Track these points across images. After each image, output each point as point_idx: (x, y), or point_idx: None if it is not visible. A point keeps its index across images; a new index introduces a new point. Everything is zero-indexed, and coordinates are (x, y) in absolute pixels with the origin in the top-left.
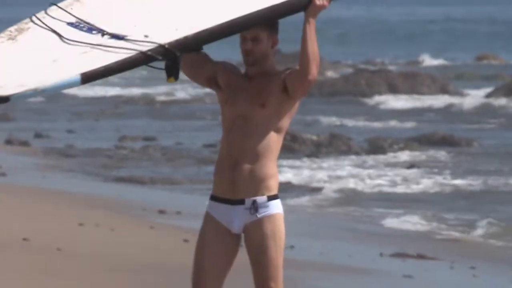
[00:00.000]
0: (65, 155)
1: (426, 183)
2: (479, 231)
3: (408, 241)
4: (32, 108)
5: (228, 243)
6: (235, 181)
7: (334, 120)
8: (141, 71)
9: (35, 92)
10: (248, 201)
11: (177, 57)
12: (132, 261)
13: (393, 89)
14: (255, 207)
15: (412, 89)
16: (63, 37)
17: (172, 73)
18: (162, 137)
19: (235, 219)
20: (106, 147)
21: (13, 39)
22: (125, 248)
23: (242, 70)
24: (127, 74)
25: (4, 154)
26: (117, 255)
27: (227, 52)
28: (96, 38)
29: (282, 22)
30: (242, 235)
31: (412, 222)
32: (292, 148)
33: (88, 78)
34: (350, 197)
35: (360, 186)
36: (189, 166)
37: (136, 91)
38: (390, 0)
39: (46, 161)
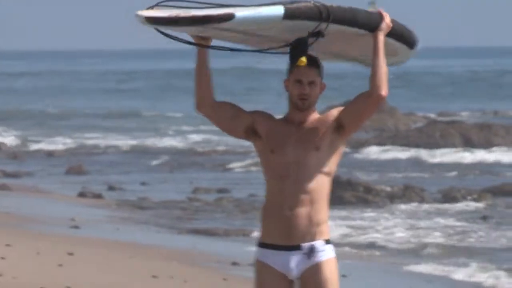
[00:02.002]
0: (139, 207)
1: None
2: None
3: None
4: (105, 161)
5: None
6: (292, 227)
7: (407, 171)
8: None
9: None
10: (305, 246)
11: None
12: None
13: (468, 141)
14: (312, 251)
15: (486, 141)
16: None
17: (303, 53)
18: (235, 189)
19: (293, 265)
20: (180, 199)
21: None
22: None
23: (277, 116)
24: (206, 123)
25: (77, 207)
26: None
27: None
28: None
29: None
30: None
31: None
32: (366, 199)
33: (291, 13)
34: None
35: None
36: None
37: (209, 139)
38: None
39: (120, 213)
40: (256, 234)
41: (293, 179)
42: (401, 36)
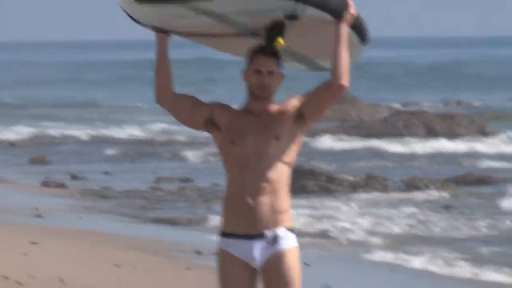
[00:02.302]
0: (102, 196)
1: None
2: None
3: (449, 281)
4: (67, 150)
5: (251, 279)
6: (255, 216)
7: (370, 160)
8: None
9: None
10: (268, 234)
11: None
12: None
13: (431, 131)
14: (275, 239)
15: (450, 131)
16: None
17: (280, 35)
18: (198, 179)
19: (256, 253)
20: (143, 189)
21: None
22: None
23: (235, 107)
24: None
25: (41, 196)
26: None
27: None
28: None
29: None
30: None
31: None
32: (329, 188)
33: None
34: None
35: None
36: None
37: (173, 130)
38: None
39: (83, 203)
40: (219, 223)
41: (254, 169)
42: (359, 29)
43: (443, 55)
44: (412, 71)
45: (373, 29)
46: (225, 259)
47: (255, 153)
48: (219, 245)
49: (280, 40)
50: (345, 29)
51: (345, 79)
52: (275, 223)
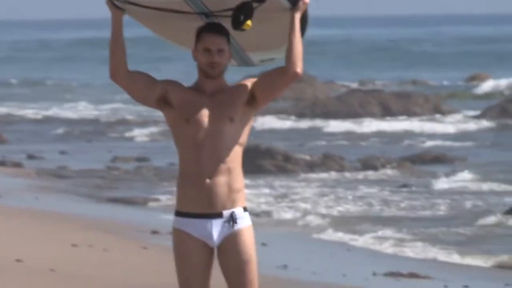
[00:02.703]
0: (58, 176)
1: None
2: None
3: (401, 260)
4: (24, 130)
5: (208, 258)
6: (212, 195)
7: (327, 139)
8: None
9: None
10: (226, 214)
11: None
12: (125, 281)
13: (387, 110)
14: (233, 219)
15: (406, 109)
16: None
17: (249, 17)
18: (155, 158)
19: (214, 232)
20: (99, 168)
21: None
22: (118, 269)
23: (186, 85)
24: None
25: None
26: (110, 276)
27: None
28: None
29: None
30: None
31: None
32: (285, 168)
33: None
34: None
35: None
36: None
37: (126, 109)
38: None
39: (39, 182)
40: (175, 202)
41: (209, 149)
42: (305, 19)
43: (397, 34)
44: (366, 49)
45: (327, 8)
46: (181, 238)
47: (210, 132)
48: (174, 225)
49: (249, 23)
50: (298, 18)
51: (299, 67)
52: (232, 203)
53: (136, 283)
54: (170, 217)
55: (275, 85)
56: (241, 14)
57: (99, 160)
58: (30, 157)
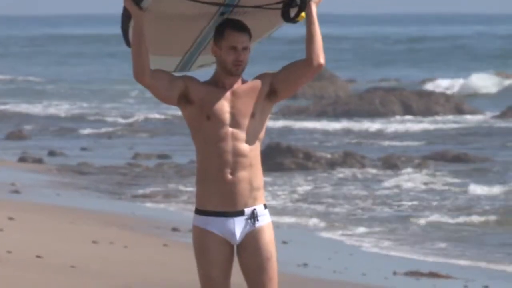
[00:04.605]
0: (79, 172)
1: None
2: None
3: (422, 259)
4: (46, 126)
5: (229, 255)
6: (235, 192)
7: (348, 138)
8: None
9: None
10: (247, 211)
11: None
12: (145, 278)
13: (408, 108)
14: (255, 216)
15: (427, 108)
16: None
17: (303, 9)
18: (176, 155)
19: (237, 230)
20: (120, 165)
21: None
22: (138, 266)
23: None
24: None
25: (18, 172)
26: (130, 272)
27: None
28: None
29: None
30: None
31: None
32: (306, 166)
33: None
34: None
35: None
36: None
37: (148, 108)
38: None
39: (60, 179)
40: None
41: (231, 145)
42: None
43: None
44: (385, 47)
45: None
46: (202, 236)
47: (232, 129)
48: (195, 223)
49: (303, 15)
50: (315, 9)
51: (323, 58)
52: (254, 200)
53: (157, 280)
54: (191, 214)
55: (299, 78)
56: (293, 6)
57: (120, 157)
58: (51, 153)
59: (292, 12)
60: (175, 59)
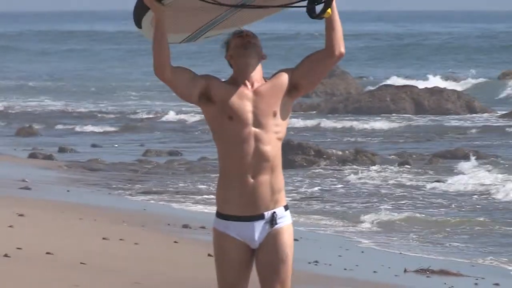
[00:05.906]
0: (90, 169)
1: None
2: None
3: (432, 257)
4: (56, 122)
5: (249, 259)
6: (256, 196)
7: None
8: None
9: None
10: (267, 214)
11: None
12: (155, 275)
13: (419, 106)
14: (274, 219)
15: (438, 106)
16: None
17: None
18: (187, 152)
19: (256, 235)
20: (130, 162)
21: None
22: (149, 263)
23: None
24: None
25: (28, 168)
26: (140, 269)
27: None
28: None
29: None
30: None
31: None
32: (317, 163)
33: None
34: None
35: None
36: (213, 181)
37: (161, 105)
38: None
39: (70, 175)
40: (206, 197)
41: (253, 146)
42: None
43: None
44: (396, 44)
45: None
46: (222, 240)
47: (254, 129)
48: (215, 226)
49: (330, 11)
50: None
51: (343, 46)
52: (274, 203)
53: (167, 277)
54: (201, 211)
55: (322, 69)
56: (318, 3)
57: (130, 154)
58: (62, 149)
59: (318, 9)
60: (183, 34)
